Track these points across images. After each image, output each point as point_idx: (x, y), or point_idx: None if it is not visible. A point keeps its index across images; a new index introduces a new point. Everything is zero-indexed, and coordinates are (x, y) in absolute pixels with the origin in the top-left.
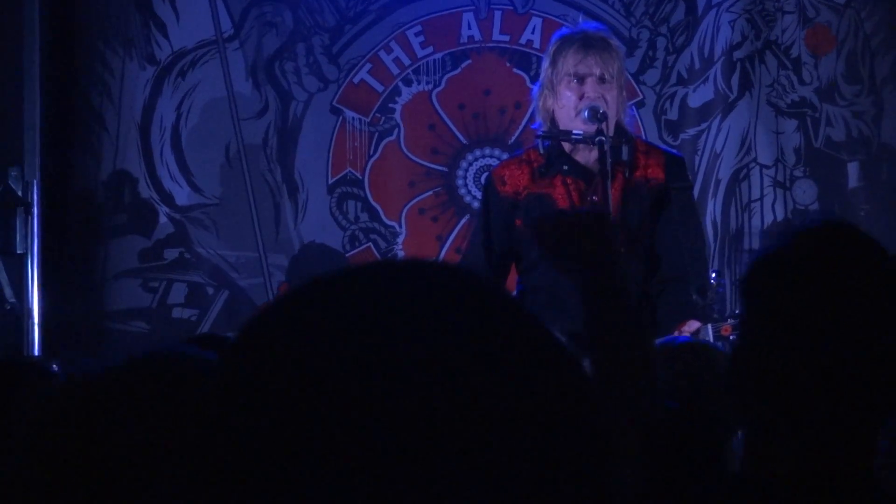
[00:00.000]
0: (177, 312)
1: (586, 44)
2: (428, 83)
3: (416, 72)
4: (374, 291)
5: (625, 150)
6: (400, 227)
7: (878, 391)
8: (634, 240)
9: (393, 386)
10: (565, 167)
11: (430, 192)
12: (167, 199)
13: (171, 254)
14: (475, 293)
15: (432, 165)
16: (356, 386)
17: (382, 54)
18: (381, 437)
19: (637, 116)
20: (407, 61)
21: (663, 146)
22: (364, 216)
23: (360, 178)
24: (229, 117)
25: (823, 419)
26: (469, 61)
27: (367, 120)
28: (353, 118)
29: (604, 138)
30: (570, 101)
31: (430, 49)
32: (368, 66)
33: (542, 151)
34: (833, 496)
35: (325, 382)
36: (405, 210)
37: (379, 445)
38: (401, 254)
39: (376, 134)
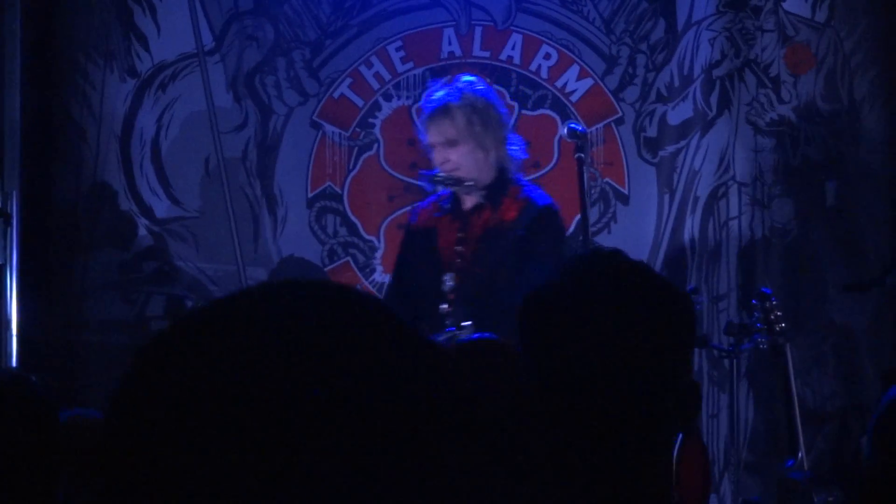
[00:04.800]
0: (155, 325)
1: (429, 116)
2: (408, 98)
3: (397, 87)
4: (257, 313)
5: (476, 200)
6: (379, 241)
7: (653, 410)
8: (488, 283)
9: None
10: (449, 206)
11: (410, 207)
12: (146, 211)
13: (150, 266)
14: (343, 306)
15: (411, 180)
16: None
17: (363, 69)
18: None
19: (609, 132)
20: (387, 76)
21: (537, 195)
22: (343, 230)
23: (340, 192)
24: (209, 130)
25: (609, 445)
26: (449, 77)
27: (347, 134)
28: (333, 132)
29: (582, 155)
30: (435, 163)
31: (411, 64)
32: (349, 80)
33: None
34: None
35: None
36: (384, 225)
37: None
38: (379, 268)
39: (356, 148)
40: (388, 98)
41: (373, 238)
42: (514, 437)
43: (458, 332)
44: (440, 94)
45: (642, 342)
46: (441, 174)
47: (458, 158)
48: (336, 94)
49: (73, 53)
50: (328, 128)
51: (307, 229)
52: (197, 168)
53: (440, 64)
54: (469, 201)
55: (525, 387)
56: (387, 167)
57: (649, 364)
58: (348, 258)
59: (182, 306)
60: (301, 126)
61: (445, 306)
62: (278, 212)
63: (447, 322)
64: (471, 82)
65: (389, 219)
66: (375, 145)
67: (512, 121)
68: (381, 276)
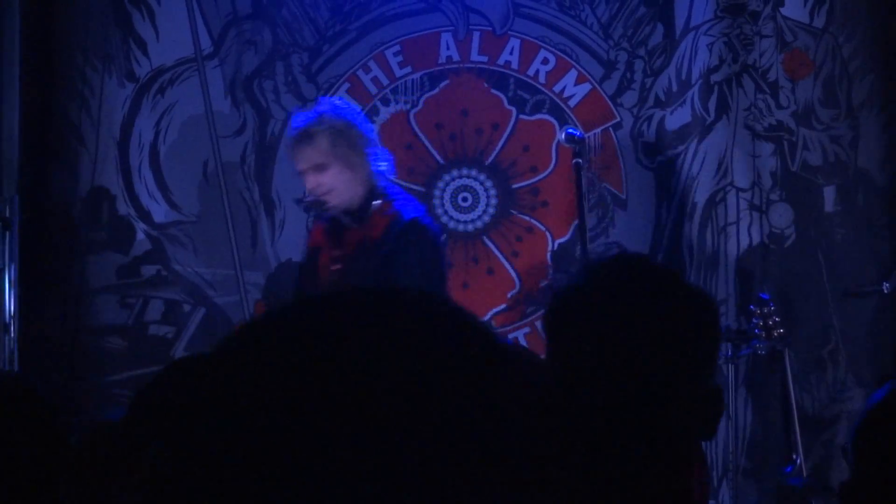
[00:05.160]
0: (153, 329)
1: (293, 144)
2: (406, 103)
3: (394, 91)
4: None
5: (345, 219)
6: None
7: (676, 416)
8: None
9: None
10: (329, 226)
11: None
12: (145, 215)
13: (148, 270)
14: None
15: (409, 185)
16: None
17: (361, 74)
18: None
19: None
20: (385, 81)
21: (407, 209)
22: None
23: None
24: (207, 135)
25: (631, 450)
26: (447, 81)
27: None
28: None
29: (580, 161)
30: (310, 190)
31: (409, 69)
32: (347, 85)
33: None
34: None
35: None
36: None
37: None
38: None
39: None
40: (386, 103)
41: None
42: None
43: None
44: (301, 120)
45: (667, 347)
46: (308, 198)
47: (329, 181)
48: None
49: (72, 58)
50: None
51: (305, 233)
52: (195, 172)
53: (438, 69)
54: (344, 220)
55: (547, 390)
56: None
57: (673, 369)
58: None
59: (180, 310)
60: None
61: None
62: (276, 216)
63: None
64: (331, 104)
65: None
66: None
67: (375, 136)
68: None
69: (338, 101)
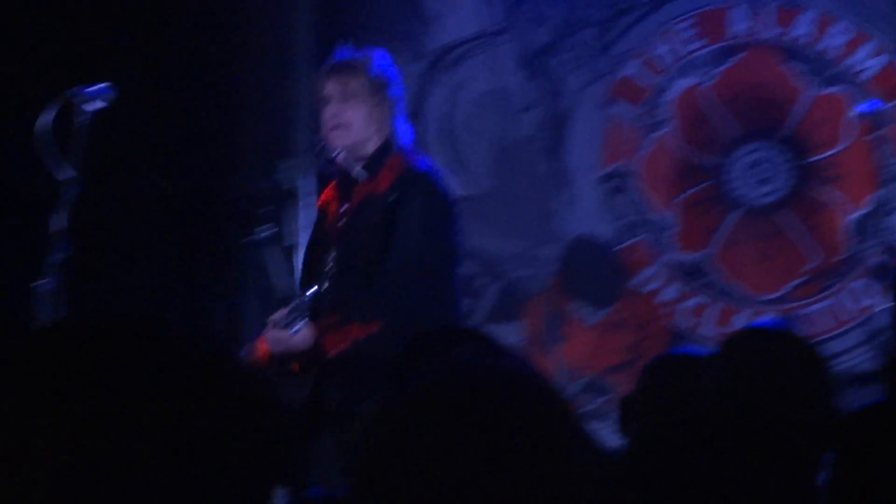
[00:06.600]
0: None
1: (327, 69)
2: (699, 76)
3: (687, 65)
4: None
5: (355, 170)
6: (671, 219)
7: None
8: (359, 256)
9: None
10: (339, 181)
11: (702, 186)
12: None
13: None
14: None
15: (703, 159)
16: None
17: (653, 47)
18: None
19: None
20: (677, 55)
21: (418, 162)
22: (635, 209)
23: (631, 170)
24: (499, 110)
25: None
26: (741, 55)
27: (638, 113)
28: (624, 111)
29: (878, 133)
30: (322, 122)
31: (702, 42)
32: (639, 59)
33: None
34: None
35: None
36: (676, 203)
37: None
38: (673, 246)
39: (647, 127)
40: (678, 77)
41: (665, 216)
42: None
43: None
44: (349, 52)
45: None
46: (319, 142)
47: (349, 116)
48: (626, 73)
49: (363, 37)
50: (619, 107)
51: (599, 208)
52: (488, 147)
53: (731, 42)
54: (354, 172)
55: None
56: (678, 145)
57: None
58: (642, 237)
59: (473, 284)
60: (592, 105)
61: (326, 283)
62: (570, 190)
63: (327, 299)
64: (381, 54)
65: (681, 197)
66: (666, 124)
67: (405, 100)
68: (676, 255)
69: (386, 57)
